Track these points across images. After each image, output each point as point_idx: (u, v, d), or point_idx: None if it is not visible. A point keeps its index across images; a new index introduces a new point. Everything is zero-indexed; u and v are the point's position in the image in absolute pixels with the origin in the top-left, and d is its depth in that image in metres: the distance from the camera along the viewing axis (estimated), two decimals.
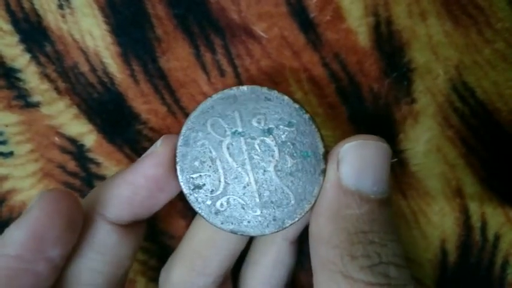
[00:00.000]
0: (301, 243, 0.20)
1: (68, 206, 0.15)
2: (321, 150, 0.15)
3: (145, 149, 0.17)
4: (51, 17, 0.19)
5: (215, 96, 0.15)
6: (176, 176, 0.15)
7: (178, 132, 0.16)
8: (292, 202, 0.15)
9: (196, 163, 0.15)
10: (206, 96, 0.19)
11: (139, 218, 0.17)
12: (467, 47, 0.17)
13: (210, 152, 0.15)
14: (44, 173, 0.20)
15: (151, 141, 0.20)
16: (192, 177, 0.15)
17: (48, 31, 0.19)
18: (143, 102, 0.19)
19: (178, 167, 0.15)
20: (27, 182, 0.21)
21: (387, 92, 0.18)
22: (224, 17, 0.18)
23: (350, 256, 0.13)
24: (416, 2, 0.17)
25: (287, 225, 0.15)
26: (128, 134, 0.20)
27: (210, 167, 0.15)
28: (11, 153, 0.20)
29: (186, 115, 0.19)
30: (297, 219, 0.15)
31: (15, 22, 0.19)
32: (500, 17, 0.17)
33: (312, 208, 0.15)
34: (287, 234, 0.19)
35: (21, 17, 0.19)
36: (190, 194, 0.15)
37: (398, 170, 0.19)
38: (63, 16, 0.19)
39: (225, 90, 0.15)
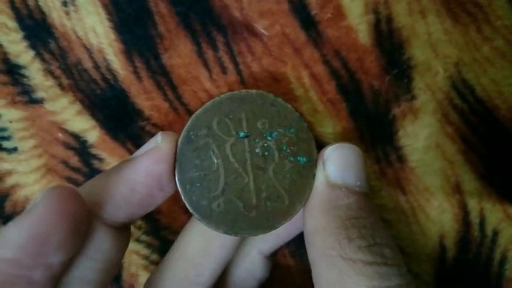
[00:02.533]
0: None
1: (76, 207, 0.13)
2: (315, 156, 0.16)
3: None
4: (55, 14, 0.19)
5: (223, 96, 0.16)
6: (174, 174, 0.15)
7: (180, 129, 0.16)
8: (286, 203, 0.15)
9: (197, 161, 0.15)
10: (208, 92, 0.19)
11: (133, 219, 0.16)
12: (467, 45, 0.18)
13: (213, 151, 0.15)
14: (48, 168, 0.21)
15: None
16: (191, 176, 0.15)
17: (52, 28, 0.19)
18: (146, 98, 0.19)
19: (177, 165, 0.15)
20: (31, 177, 0.21)
21: (387, 89, 0.18)
22: (226, 15, 0.18)
23: (347, 239, 0.14)
24: (417, 0, 0.17)
25: (279, 225, 0.15)
26: (130, 130, 0.20)
27: (210, 166, 0.15)
28: (15, 149, 0.21)
29: (188, 111, 0.19)
30: (288, 219, 0.16)
31: (19, 19, 0.19)
32: (499, 14, 0.17)
33: (302, 209, 0.16)
34: (263, 248, 0.19)
35: (26, 14, 0.19)
36: (186, 194, 0.15)
37: (398, 166, 0.19)
38: (67, 13, 0.19)
39: (234, 92, 0.16)
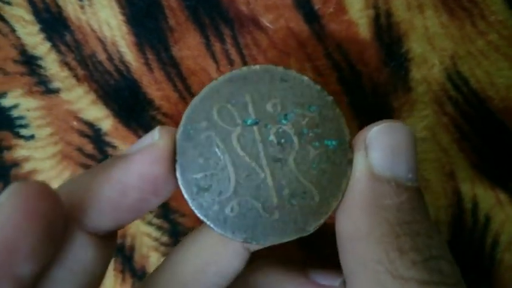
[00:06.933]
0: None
1: (49, 207, 0.11)
2: (347, 137, 0.13)
3: None
4: (71, 8, 0.20)
5: (221, 79, 0.13)
6: (175, 176, 0.13)
7: None
8: (316, 200, 0.13)
9: (201, 160, 0.13)
10: None
11: (120, 226, 0.13)
12: (462, 38, 0.18)
13: (217, 145, 0.13)
14: (63, 155, 0.22)
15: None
16: (196, 178, 0.13)
17: (68, 21, 0.20)
18: (157, 89, 0.20)
19: (178, 166, 0.13)
20: (47, 163, 0.22)
21: (386, 81, 0.19)
22: (233, 9, 0.19)
23: (398, 251, 0.11)
24: None
25: (311, 228, 0.13)
26: (142, 119, 0.21)
27: (217, 164, 0.13)
28: (32, 136, 0.22)
29: None
30: (322, 220, 0.13)
31: (36, 12, 0.20)
32: (493, 10, 0.18)
33: (338, 205, 0.13)
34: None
35: (42, 7, 0.20)
36: (194, 199, 0.13)
37: None
38: (82, 7, 0.20)
39: (234, 71, 0.13)
